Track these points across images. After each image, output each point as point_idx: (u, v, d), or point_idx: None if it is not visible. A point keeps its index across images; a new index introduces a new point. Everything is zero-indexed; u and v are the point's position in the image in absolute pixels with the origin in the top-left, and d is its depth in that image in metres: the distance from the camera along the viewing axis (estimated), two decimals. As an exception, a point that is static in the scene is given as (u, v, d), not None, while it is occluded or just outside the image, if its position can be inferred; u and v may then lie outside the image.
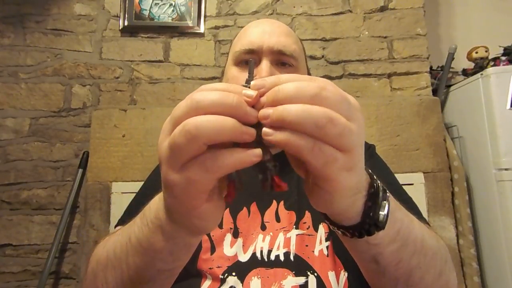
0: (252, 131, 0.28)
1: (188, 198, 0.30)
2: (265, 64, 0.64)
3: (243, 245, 0.58)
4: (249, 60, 0.31)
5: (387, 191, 0.37)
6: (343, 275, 0.55)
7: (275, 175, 0.31)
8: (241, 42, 0.69)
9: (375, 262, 0.40)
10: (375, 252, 0.38)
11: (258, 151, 0.28)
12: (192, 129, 0.26)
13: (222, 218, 0.60)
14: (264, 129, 0.28)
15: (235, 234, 0.59)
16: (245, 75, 0.66)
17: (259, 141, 0.29)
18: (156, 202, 0.38)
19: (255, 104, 0.29)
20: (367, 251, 0.39)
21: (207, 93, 0.28)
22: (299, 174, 0.36)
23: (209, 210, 0.32)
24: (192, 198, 0.30)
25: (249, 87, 0.30)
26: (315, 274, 0.54)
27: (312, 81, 0.29)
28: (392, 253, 0.39)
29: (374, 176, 0.37)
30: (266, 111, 0.28)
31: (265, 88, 0.29)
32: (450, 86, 1.71)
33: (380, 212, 0.35)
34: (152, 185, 0.42)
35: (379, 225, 0.35)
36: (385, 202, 0.36)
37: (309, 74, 0.76)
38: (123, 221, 0.65)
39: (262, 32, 0.67)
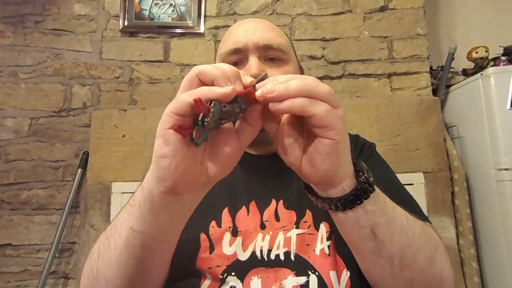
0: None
1: (167, 114, 0.36)
2: (253, 61, 0.62)
3: (242, 244, 0.57)
4: (263, 73, 0.42)
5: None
6: (345, 274, 0.54)
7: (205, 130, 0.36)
8: (225, 44, 0.67)
9: (373, 236, 0.43)
10: (373, 222, 0.43)
11: (230, 88, 0.36)
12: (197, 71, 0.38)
13: (221, 217, 0.60)
14: (271, 104, 0.38)
15: (234, 233, 0.58)
16: None
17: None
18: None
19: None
20: (366, 223, 0.43)
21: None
22: (293, 163, 0.42)
23: (174, 145, 0.36)
24: (168, 115, 0.36)
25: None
26: (316, 273, 0.54)
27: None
28: (386, 225, 0.43)
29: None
30: (269, 88, 0.37)
31: (274, 95, 0.38)
32: (450, 86, 1.71)
33: (367, 174, 0.42)
34: None
35: (371, 183, 0.42)
36: (367, 171, 0.43)
37: (300, 68, 0.74)
38: None
39: (245, 30, 0.66)
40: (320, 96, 0.37)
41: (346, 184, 0.41)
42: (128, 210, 0.44)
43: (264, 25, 0.68)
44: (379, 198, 0.43)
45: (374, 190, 0.42)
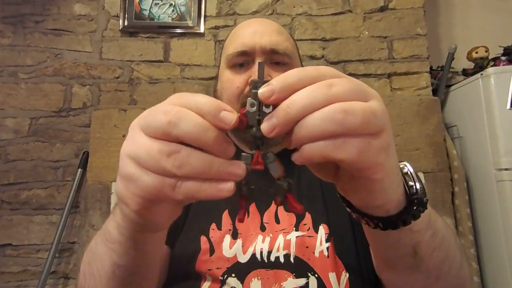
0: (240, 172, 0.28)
1: (150, 215, 0.31)
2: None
3: (242, 246, 0.57)
4: (258, 63, 0.30)
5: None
6: (345, 276, 0.55)
7: (290, 194, 0.30)
8: (233, 44, 0.69)
9: (413, 254, 0.39)
10: (416, 241, 0.38)
11: (229, 186, 0.27)
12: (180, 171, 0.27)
13: (221, 220, 0.60)
14: (293, 156, 0.28)
15: (234, 235, 0.59)
16: (239, 78, 0.66)
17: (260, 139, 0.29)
18: None
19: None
20: (409, 242, 0.38)
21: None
22: (325, 179, 0.35)
23: (166, 214, 0.33)
24: (154, 215, 0.31)
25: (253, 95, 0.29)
26: (316, 275, 0.54)
27: (318, 78, 0.28)
28: (428, 241, 0.39)
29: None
30: (288, 141, 0.28)
31: (275, 94, 0.27)
32: (450, 86, 1.71)
33: (422, 191, 0.35)
34: None
35: (424, 204, 0.34)
36: (421, 180, 0.35)
37: None
38: None
39: (253, 33, 0.67)
40: (352, 131, 0.26)
41: (391, 207, 0.34)
42: (106, 245, 0.40)
43: (272, 28, 0.69)
44: (426, 213, 0.36)
45: (426, 208, 0.35)
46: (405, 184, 0.35)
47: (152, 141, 0.27)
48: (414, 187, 0.35)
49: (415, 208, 0.34)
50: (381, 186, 0.31)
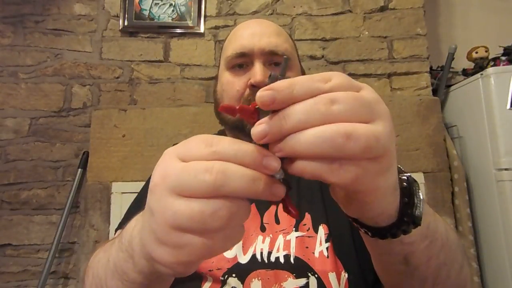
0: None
1: (192, 269, 0.28)
2: (258, 67, 0.64)
3: (242, 246, 0.58)
4: (284, 58, 0.29)
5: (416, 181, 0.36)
6: (344, 276, 0.55)
7: (287, 197, 0.29)
8: (232, 46, 0.69)
9: (405, 263, 0.38)
10: (408, 252, 0.37)
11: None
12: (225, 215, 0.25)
13: None
14: (283, 163, 0.27)
15: None
16: (239, 81, 0.66)
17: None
18: (132, 228, 0.35)
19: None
20: (399, 252, 0.37)
21: (234, 178, 0.25)
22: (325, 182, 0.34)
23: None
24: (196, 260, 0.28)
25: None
26: (316, 275, 0.54)
27: (322, 91, 0.26)
28: (423, 251, 0.38)
29: (402, 168, 0.36)
30: (277, 147, 0.26)
31: (275, 104, 0.25)
32: (450, 86, 1.71)
33: (418, 207, 0.33)
34: None
35: (416, 222, 0.33)
36: (419, 195, 0.34)
37: (302, 70, 0.76)
38: (122, 225, 0.65)
39: (252, 34, 0.67)
40: (350, 157, 0.25)
41: (380, 220, 0.33)
42: (123, 283, 0.37)
43: (271, 29, 0.69)
44: (420, 228, 0.35)
45: (419, 225, 0.34)
46: (400, 200, 0.34)
47: (190, 203, 0.25)
48: (409, 204, 0.34)
49: (406, 226, 0.33)
50: (374, 205, 0.30)
